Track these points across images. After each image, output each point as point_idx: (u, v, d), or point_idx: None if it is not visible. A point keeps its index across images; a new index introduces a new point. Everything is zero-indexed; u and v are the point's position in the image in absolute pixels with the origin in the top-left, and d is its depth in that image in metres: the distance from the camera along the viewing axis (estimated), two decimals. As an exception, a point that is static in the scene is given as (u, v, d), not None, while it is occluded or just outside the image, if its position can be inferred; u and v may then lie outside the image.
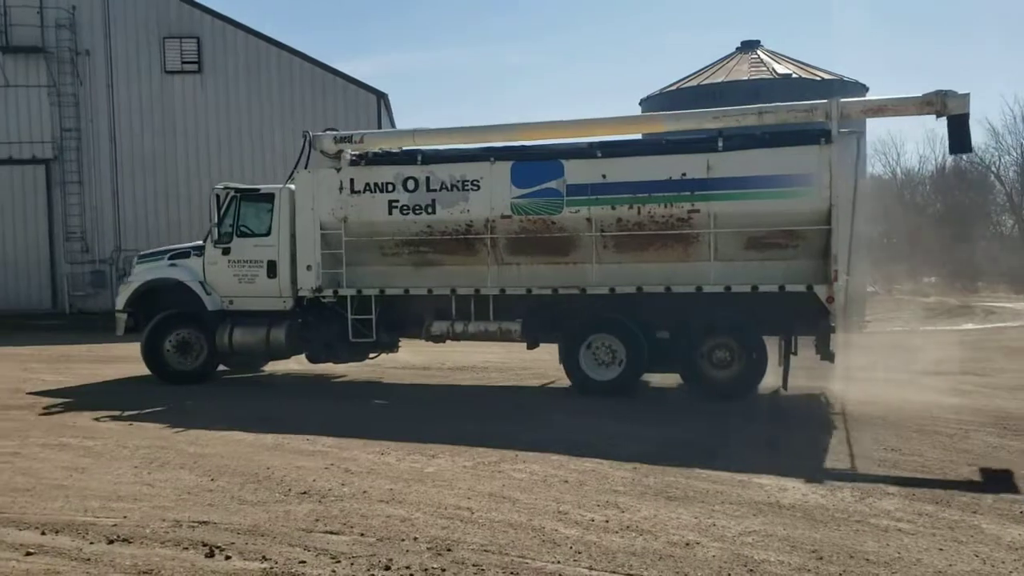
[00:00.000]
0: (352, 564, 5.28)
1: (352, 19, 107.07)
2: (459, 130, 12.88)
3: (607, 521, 6.07)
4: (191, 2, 26.02)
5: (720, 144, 11.08)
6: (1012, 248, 42.43)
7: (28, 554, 5.50)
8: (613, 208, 11.31)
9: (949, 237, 38.74)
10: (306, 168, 12.63)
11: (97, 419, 10.06)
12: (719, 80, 25.79)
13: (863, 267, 25.44)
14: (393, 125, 28.32)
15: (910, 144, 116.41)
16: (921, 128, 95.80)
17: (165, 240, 20.19)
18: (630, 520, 6.09)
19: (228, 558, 5.41)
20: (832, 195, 10.62)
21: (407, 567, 5.22)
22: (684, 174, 11.06)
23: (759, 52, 27.06)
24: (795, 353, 11.11)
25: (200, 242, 13.45)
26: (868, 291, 27.59)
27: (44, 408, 10.90)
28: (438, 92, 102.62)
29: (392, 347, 13.21)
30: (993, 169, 49.16)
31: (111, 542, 5.69)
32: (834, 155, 10.65)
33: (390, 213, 12.05)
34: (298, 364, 13.99)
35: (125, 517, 6.22)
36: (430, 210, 11.91)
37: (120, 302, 13.35)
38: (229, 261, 12.86)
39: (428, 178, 11.93)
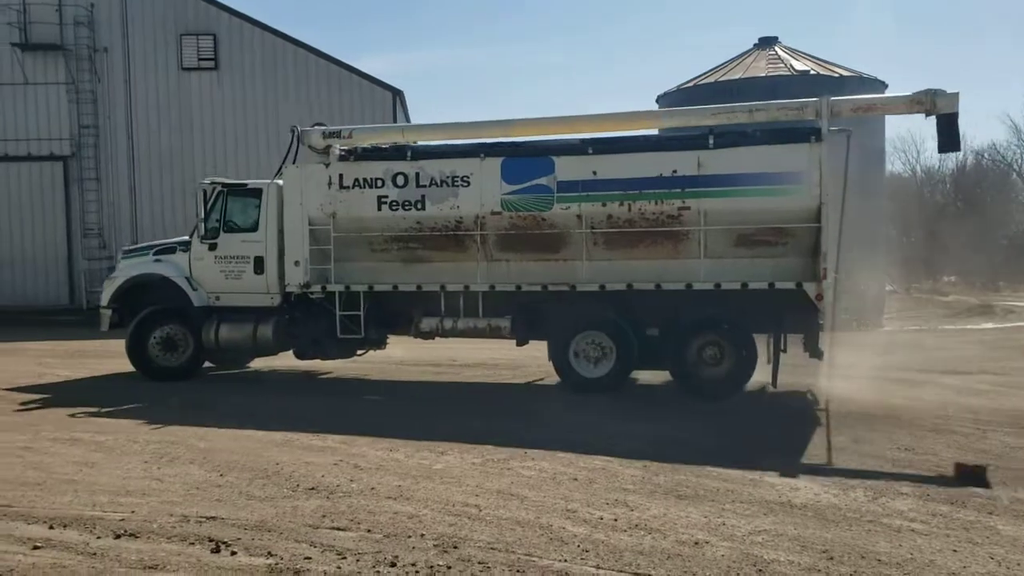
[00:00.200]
0: (358, 560, 5.25)
1: (369, 16, 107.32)
2: (449, 126, 12.85)
3: (616, 519, 6.01)
4: (208, -1, 26.10)
5: (711, 141, 11.08)
6: (1034, 246, 42.04)
7: (36, 548, 5.51)
8: (604, 205, 11.27)
9: (969, 236, 38.37)
10: (294, 163, 12.58)
11: (108, 414, 10.08)
12: (736, 77, 25.62)
13: (881, 266, 25.36)
14: (408, 122, 28.29)
15: (930, 142, 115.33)
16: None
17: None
18: (639, 518, 6.03)
19: (234, 553, 5.39)
20: (822, 193, 10.64)
21: (413, 564, 5.18)
22: (675, 171, 11.04)
23: (777, 48, 26.86)
24: (784, 351, 11.13)
25: (186, 237, 13.37)
26: (886, 290, 27.38)
27: (28, 402, 10.94)
28: (454, 90, 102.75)
29: (380, 344, 13.13)
30: (1015, 167, 48.68)
31: (118, 537, 5.69)
32: (824, 153, 10.67)
33: (379, 209, 11.99)
34: (282, 361, 13.93)
35: (133, 512, 6.22)
36: (419, 206, 11.86)
37: (104, 298, 13.23)
38: (216, 257, 12.76)
39: (418, 174, 11.87)
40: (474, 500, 6.46)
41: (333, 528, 5.86)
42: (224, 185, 13.01)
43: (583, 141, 11.68)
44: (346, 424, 9.36)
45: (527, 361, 13.77)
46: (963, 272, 39.09)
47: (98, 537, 5.69)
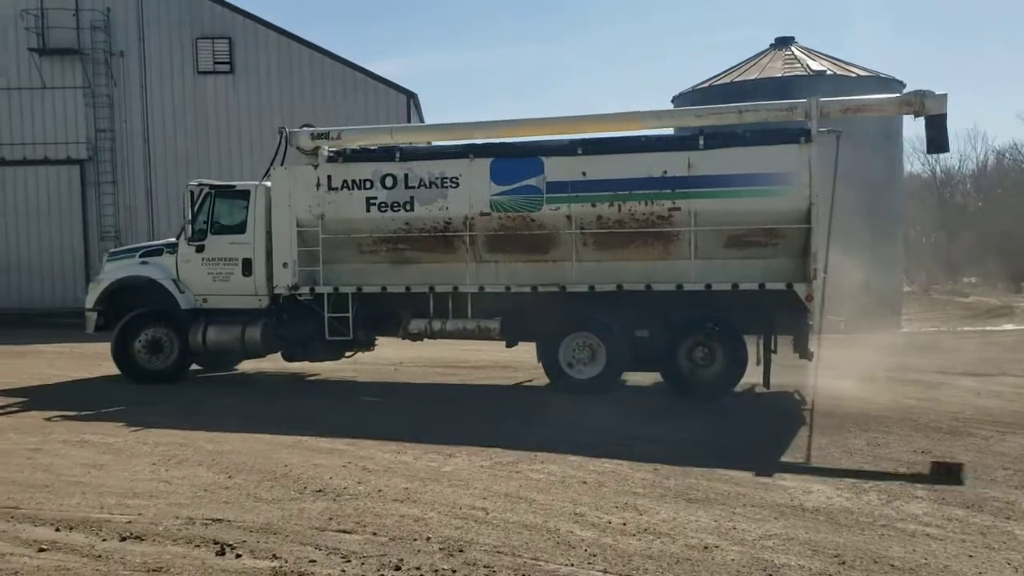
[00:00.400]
0: (363, 564, 5.20)
1: (385, 18, 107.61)
2: (438, 127, 12.77)
3: (624, 523, 5.94)
4: (223, 3, 26.20)
5: (701, 142, 11.06)
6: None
7: (41, 550, 5.49)
8: (593, 206, 11.22)
9: (990, 236, 37.97)
10: (282, 165, 12.53)
11: (119, 415, 10.07)
12: (752, 77, 25.47)
13: (899, 267, 25.13)
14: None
15: (950, 141, 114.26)
16: (961, 125, 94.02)
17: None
18: (648, 522, 5.95)
19: (238, 556, 5.36)
20: (812, 194, 10.62)
21: (417, 568, 5.13)
22: (665, 172, 11.01)
23: (793, 49, 26.66)
24: (775, 351, 11.11)
25: (173, 239, 13.31)
26: (904, 291, 27.12)
27: (40, 404, 10.96)
28: (469, 92, 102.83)
29: (369, 346, 13.08)
30: (1037, 166, 48.15)
31: (123, 539, 5.67)
32: (814, 154, 10.65)
33: (368, 210, 11.92)
34: (269, 363, 13.89)
35: (140, 514, 6.20)
36: (408, 207, 11.80)
37: (90, 300, 13.12)
38: (203, 259, 12.66)
39: (407, 175, 11.81)
40: (481, 503, 6.40)
41: (339, 531, 5.81)
42: (211, 186, 12.92)
43: (572, 142, 11.64)
44: (355, 426, 9.34)
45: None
46: (984, 273, 38.64)
47: (104, 539, 5.68)
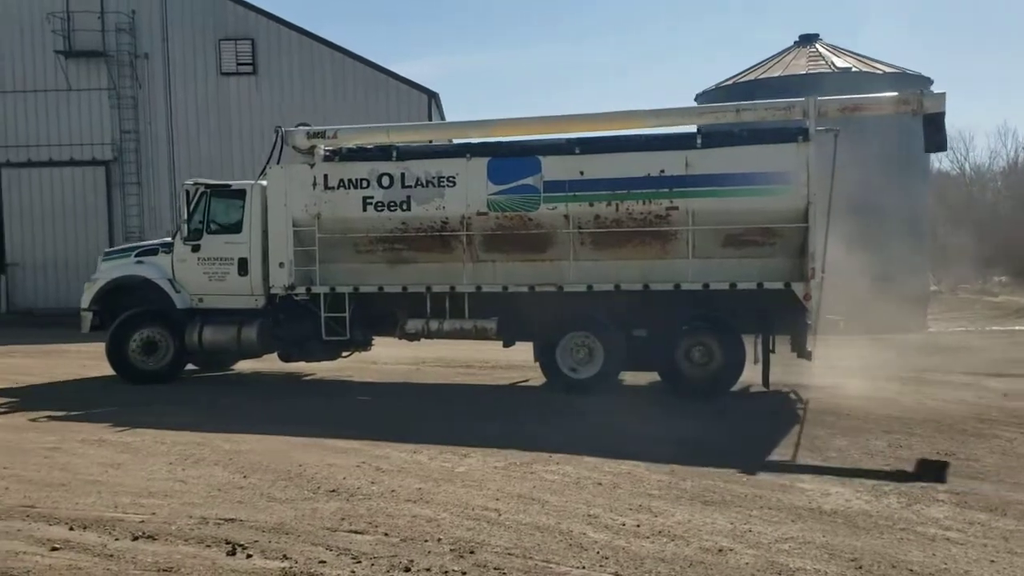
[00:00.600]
0: (372, 565, 5.17)
1: (409, 18, 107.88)
2: (435, 126, 12.66)
3: (638, 525, 5.87)
4: (246, 4, 26.37)
5: (699, 141, 11.03)
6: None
7: (54, 549, 5.51)
8: (591, 205, 11.18)
9: (1020, 234, 37.36)
10: (279, 164, 12.51)
11: (138, 415, 10.10)
12: (776, 74, 25.25)
13: (925, 266, 24.80)
14: (445, 124, 28.31)
15: (980, 138, 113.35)
16: (991, 122, 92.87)
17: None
18: (662, 525, 5.88)
19: (249, 556, 5.35)
20: (809, 193, 10.58)
21: (427, 569, 5.09)
22: (663, 171, 10.96)
23: (818, 46, 26.41)
24: (773, 351, 11.08)
25: (168, 239, 13.30)
26: (930, 290, 26.77)
27: (61, 403, 11.03)
28: (494, 91, 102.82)
29: (366, 345, 12.99)
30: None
31: (136, 539, 5.67)
32: (812, 153, 10.61)
33: (364, 210, 11.88)
34: (264, 363, 13.88)
35: (153, 514, 6.21)
36: (405, 207, 11.75)
37: (85, 300, 13.09)
38: (199, 259, 12.62)
39: (403, 174, 11.77)
40: (494, 504, 6.35)
41: (351, 531, 5.79)
42: (207, 186, 12.89)
43: (570, 141, 11.60)
44: (371, 426, 9.34)
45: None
46: (1013, 272, 38.02)
47: (116, 539, 5.68)
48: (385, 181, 11.82)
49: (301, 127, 12.75)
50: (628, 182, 11.07)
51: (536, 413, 10.20)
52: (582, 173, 11.21)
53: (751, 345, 11.14)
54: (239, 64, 26.24)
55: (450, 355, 14.94)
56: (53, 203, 26.35)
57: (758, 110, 11.55)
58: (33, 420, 9.88)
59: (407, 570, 5.09)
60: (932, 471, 7.23)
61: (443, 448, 8.11)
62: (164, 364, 12.71)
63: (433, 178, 11.66)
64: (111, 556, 5.38)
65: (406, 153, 11.99)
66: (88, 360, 15.28)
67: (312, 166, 12.25)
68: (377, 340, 13.02)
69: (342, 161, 12.27)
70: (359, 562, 5.22)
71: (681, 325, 11.09)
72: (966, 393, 11.27)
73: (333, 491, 6.75)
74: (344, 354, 12.97)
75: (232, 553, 5.39)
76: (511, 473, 7.26)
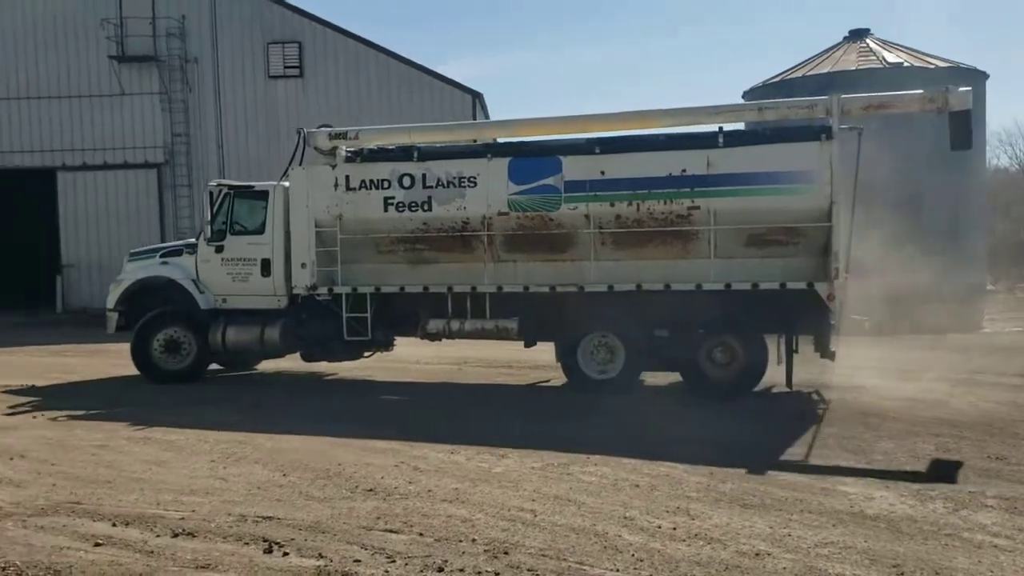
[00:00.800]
0: (406, 564, 5.19)
1: (456, 19, 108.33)
2: (456, 126, 12.64)
3: (675, 528, 5.80)
4: (293, 8, 26.74)
5: (720, 140, 10.91)
6: None
7: (97, 545, 5.61)
8: (612, 205, 11.11)
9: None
10: (301, 165, 12.57)
11: (182, 413, 10.26)
12: (825, 71, 24.85)
13: (981, 264, 24.19)
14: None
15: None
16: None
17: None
18: (699, 528, 5.81)
19: (286, 554, 5.39)
20: (833, 192, 10.44)
21: (461, 569, 5.09)
22: (684, 170, 10.87)
23: (868, 41, 25.91)
24: (796, 351, 10.99)
25: (192, 240, 13.41)
26: (987, 290, 26.11)
27: (108, 402, 11.23)
28: (540, 91, 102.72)
29: (388, 346, 12.97)
30: None
31: (176, 535, 5.76)
32: (835, 152, 10.47)
33: (386, 210, 11.90)
34: (286, 363, 13.94)
35: (193, 511, 6.30)
36: (426, 207, 11.75)
37: (111, 300, 13.26)
38: (222, 259, 12.71)
39: (424, 175, 11.77)
40: (530, 505, 6.33)
41: (386, 530, 5.81)
42: (230, 187, 13.03)
43: (590, 141, 11.55)
44: (410, 425, 9.39)
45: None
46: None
47: (157, 535, 5.77)
48: (406, 181, 11.86)
49: (323, 128, 12.84)
50: (649, 182, 11.01)
51: (574, 413, 10.15)
52: (603, 173, 11.16)
53: (774, 345, 11.05)
54: (286, 67, 26.60)
55: (492, 355, 14.93)
56: (107, 205, 26.96)
57: (780, 109, 11.50)
58: (82, 418, 10.08)
59: (440, 570, 5.09)
60: (944, 472, 7.19)
61: (480, 448, 8.11)
62: (187, 364, 12.84)
63: (454, 178, 11.68)
64: (151, 552, 5.46)
65: (427, 154, 12.03)
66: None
67: (334, 167, 12.34)
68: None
69: (363, 162, 12.35)
70: (393, 561, 5.24)
71: (703, 325, 11.01)
72: (1020, 395, 10.96)
73: (370, 490, 6.79)
74: (366, 354, 13.00)
75: (269, 551, 5.45)
76: (548, 474, 7.24)
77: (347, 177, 12.12)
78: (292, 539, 5.65)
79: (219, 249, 12.76)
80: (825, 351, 10.76)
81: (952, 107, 10.64)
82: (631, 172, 11.11)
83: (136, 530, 5.89)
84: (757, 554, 5.29)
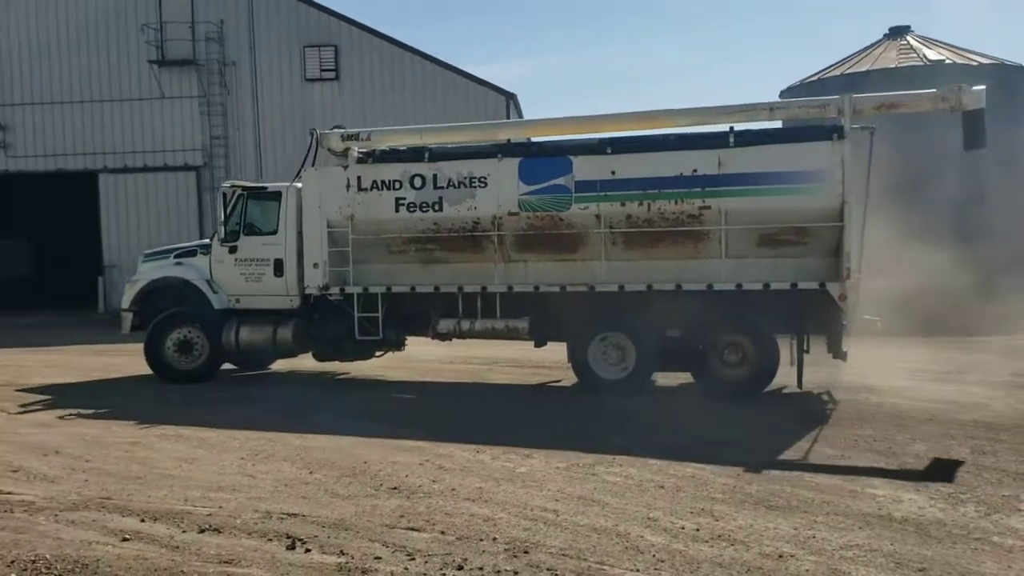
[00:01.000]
0: (426, 562, 5.20)
1: (490, 18, 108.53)
2: (467, 127, 12.66)
3: (698, 529, 5.75)
4: (329, 11, 27.00)
5: (731, 140, 10.86)
6: None
7: (124, 540, 5.71)
8: (623, 205, 11.08)
9: None
10: (313, 166, 12.65)
11: (213, 411, 10.41)
12: (864, 69, 24.50)
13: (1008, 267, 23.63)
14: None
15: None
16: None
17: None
18: (723, 529, 5.75)
19: (308, 551, 5.45)
20: (844, 191, 10.37)
21: (480, 568, 5.09)
22: (695, 170, 10.84)
23: (909, 38, 25.49)
24: (808, 351, 10.95)
25: (206, 240, 13.47)
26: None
27: (142, 400, 11.38)
28: (574, 91, 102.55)
29: (399, 345, 13.00)
30: None
31: (202, 531, 5.84)
32: (847, 151, 10.40)
33: (397, 211, 11.94)
34: (300, 362, 13.98)
35: (220, 507, 6.38)
36: (437, 207, 11.78)
37: (125, 301, 13.39)
38: (236, 260, 12.80)
39: (435, 175, 11.80)
40: (553, 505, 6.32)
41: (408, 528, 5.84)
42: (244, 188, 13.13)
43: (601, 141, 11.53)
44: (436, 424, 9.42)
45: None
46: None
47: (183, 531, 5.86)
48: (417, 182, 11.90)
49: (335, 130, 12.91)
50: (660, 181, 10.99)
51: (599, 414, 10.09)
52: (613, 173, 11.15)
53: (786, 346, 10.96)
54: (323, 70, 26.85)
55: (523, 356, 14.91)
56: (147, 207, 27.40)
57: (792, 108, 11.45)
58: (118, 415, 10.23)
59: (460, 568, 5.10)
60: (942, 472, 7.15)
61: (506, 448, 8.10)
62: (199, 364, 12.93)
63: (465, 179, 11.70)
64: (177, 548, 5.54)
65: (438, 154, 12.07)
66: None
67: (346, 168, 12.42)
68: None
69: (375, 163, 12.42)
70: (413, 559, 5.26)
71: (714, 325, 10.96)
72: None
73: (394, 488, 6.82)
74: (377, 354, 13.04)
75: (292, 547, 5.50)
76: (572, 474, 7.21)
77: (359, 178, 12.20)
78: (315, 536, 5.70)
79: (232, 250, 12.87)
80: (837, 351, 10.74)
81: (966, 106, 10.52)
82: (642, 172, 11.10)
83: (163, 526, 5.98)
84: (780, 556, 5.22)
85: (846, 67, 25.34)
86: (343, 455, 7.94)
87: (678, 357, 11.12)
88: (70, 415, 10.30)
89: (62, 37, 27.48)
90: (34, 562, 5.27)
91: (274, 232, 12.78)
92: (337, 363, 13.48)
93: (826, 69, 26.25)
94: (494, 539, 5.59)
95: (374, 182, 12.12)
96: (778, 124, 12.98)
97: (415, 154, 12.23)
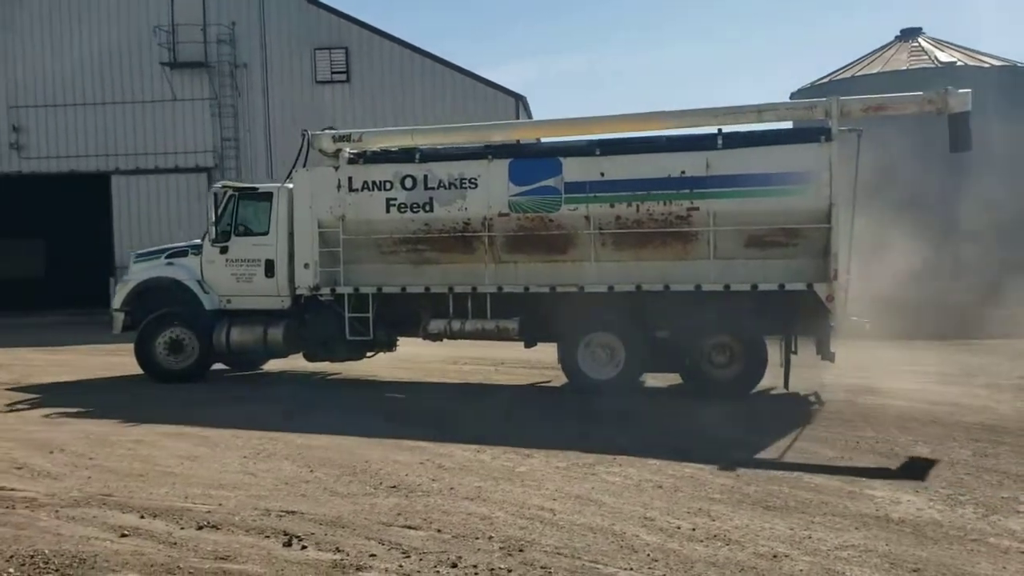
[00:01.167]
0: (421, 560, 5.22)
1: (501, 24, 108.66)
2: (457, 128, 12.72)
3: (694, 529, 5.75)
4: (340, 14, 27.14)
5: (719, 142, 10.94)
6: None
7: (123, 536, 5.75)
8: (612, 206, 11.15)
9: None
10: (304, 167, 12.69)
11: (217, 410, 10.46)
12: (875, 71, 24.41)
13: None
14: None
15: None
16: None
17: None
18: (719, 529, 5.75)
19: (304, 548, 5.47)
20: (832, 193, 10.45)
21: (474, 566, 5.11)
22: (683, 172, 10.92)
23: (920, 40, 25.39)
24: (795, 352, 11.01)
25: (198, 241, 13.57)
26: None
27: (147, 398, 11.44)
28: (585, 94, 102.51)
29: (390, 346, 13.00)
30: None
31: (200, 528, 5.88)
32: (834, 153, 10.47)
33: (388, 211, 11.99)
34: (292, 363, 14.00)
35: (220, 504, 6.41)
36: (428, 208, 11.83)
37: (117, 301, 13.42)
38: (227, 260, 12.83)
39: (426, 176, 11.84)
40: (550, 504, 6.33)
41: (405, 526, 5.86)
42: (235, 189, 13.19)
43: (590, 142, 11.64)
44: (438, 424, 9.45)
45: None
46: None
47: (182, 528, 5.89)
48: (408, 183, 11.95)
49: (327, 130, 12.96)
50: (649, 183, 11.06)
51: (598, 415, 10.07)
52: (603, 174, 11.21)
53: (774, 347, 11.00)
54: (333, 72, 26.99)
55: (534, 357, 14.94)
56: (159, 208, 27.57)
57: (780, 110, 11.52)
58: (123, 414, 10.23)
59: (454, 566, 5.12)
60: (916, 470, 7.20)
61: (507, 448, 8.12)
62: (189, 364, 12.94)
63: (455, 180, 11.76)
64: (174, 544, 5.58)
65: (429, 155, 12.14)
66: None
67: (337, 168, 12.47)
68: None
69: (366, 164, 12.49)
70: (408, 556, 5.28)
71: (702, 326, 11.00)
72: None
73: (393, 487, 6.84)
74: (368, 354, 13.05)
75: (288, 544, 5.53)
76: (571, 474, 7.22)
77: (350, 179, 12.25)
78: (312, 533, 5.73)
79: (224, 250, 12.90)
80: (825, 352, 10.82)
81: (952, 109, 10.58)
82: (631, 173, 11.18)
83: (162, 522, 6.02)
84: (775, 556, 5.22)
85: (856, 69, 25.27)
86: (344, 454, 7.97)
87: (667, 357, 11.17)
88: (76, 413, 10.37)
89: (75, 40, 27.70)
90: (32, 557, 5.32)
91: (265, 233, 12.84)
92: (328, 364, 13.51)
93: (836, 71, 26.17)
94: (490, 537, 5.61)
95: (365, 183, 12.18)
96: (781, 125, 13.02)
97: (406, 155, 12.32)
